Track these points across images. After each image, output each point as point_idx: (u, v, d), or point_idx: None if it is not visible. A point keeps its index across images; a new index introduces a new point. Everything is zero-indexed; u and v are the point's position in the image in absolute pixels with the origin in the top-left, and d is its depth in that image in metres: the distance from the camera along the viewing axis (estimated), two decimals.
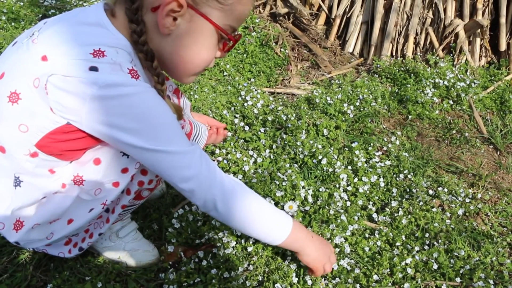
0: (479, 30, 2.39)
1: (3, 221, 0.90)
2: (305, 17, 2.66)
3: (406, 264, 1.20)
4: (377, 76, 2.31)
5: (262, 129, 1.71)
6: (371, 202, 1.45)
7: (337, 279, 1.16)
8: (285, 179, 1.43)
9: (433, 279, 1.19)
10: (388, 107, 2.04)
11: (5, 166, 0.86)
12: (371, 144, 1.72)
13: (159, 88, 0.86)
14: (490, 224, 1.43)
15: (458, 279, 1.19)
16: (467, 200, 1.50)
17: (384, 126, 1.92)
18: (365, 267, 1.20)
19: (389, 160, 1.65)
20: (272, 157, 1.60)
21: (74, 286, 1.08)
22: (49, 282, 1.09)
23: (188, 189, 0.88)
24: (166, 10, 0.78)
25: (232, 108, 1.86)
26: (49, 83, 0.75)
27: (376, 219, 1.38)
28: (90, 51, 0.76)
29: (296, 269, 1.15)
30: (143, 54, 0.83)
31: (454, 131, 1.90)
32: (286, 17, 2.69)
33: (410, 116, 1.99)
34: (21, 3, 2.58)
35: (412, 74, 2.23)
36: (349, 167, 1.57)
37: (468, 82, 2.19)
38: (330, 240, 1.25)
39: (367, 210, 1.41)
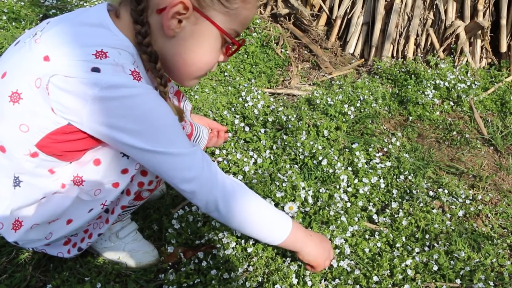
0: (479, 32, 2.39)
1: (2, 221, 0.90)
2: (306, 18, 2.66)
3: (406, 265, 1.20)
4: (377, 77, 2.31)
5: (262, 130, 1.71)
6: (371, 203, 1.45)
7: (337, 280, 1.15)
8: (285, 180, 1.43)
9: (433, 281, 1.19)
10: (388, 108, 2.04)
11: (5, 165, 0.86)
12: (372, 145, 1.72)
13: (162, 90, 0.86)
14: (491, 226, 1.43)
15: (458, 281, 1.19)
16: (468, 201, 1.50)
17: (385, 127, 1.92)
18: (365, 268, 1.20)
19: (389, 161, 1.65)
20: (272, 158, 1.59)
21: (73, 286, 1.08)
22: (49, 283, 1.09)
23: (190, 190, 0.88)
24: (172, 12, 0.78)
25: (233, 109, 1.86)
26: (51, 84, 0.75)
27: (376, 220, 1.38)
28: (93, 52, 0.76)
29: (296, 270, 1.15)
30: (147, 56, 0.83)
31: (454, 133, 1.90)
32: (287, 17, 2.69)
33: (410, 117, 1.99)
34: (22, 3, 2.58)
35: (412, 75, 2.23)
36: (350, 168, 1.57)
37: (468, 84, 2.19)
38: (330, 241, 1.25)
39: (367, 211, 1.41)
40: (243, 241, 1.21)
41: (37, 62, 0.77)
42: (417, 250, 1.26)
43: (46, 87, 0.76)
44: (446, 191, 1.52)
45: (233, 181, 0.96)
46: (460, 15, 2.48)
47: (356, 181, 1.50)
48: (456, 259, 1.25)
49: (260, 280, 1.14)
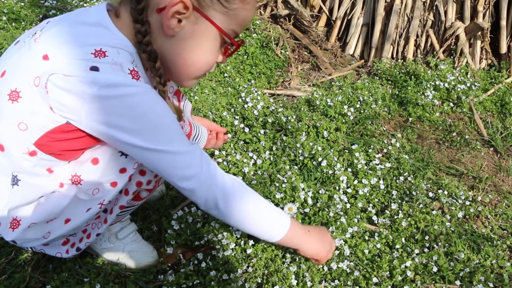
0: (479, 33, 2.39)
1: (0, 220, 0.90)
2: (305, 18, 2.66)
3: (406, 266, 1.20)
4: (377, 78, 2.31)
5: (262, 131, 1.71)
6: (371, 205, 1.45)
7: (337, 281, 1.15)
8: (285, 181, 1.43)
9: (433, 282, 1.19)
10: (388, 109, 2.04)
11: (3, 164, 0.86)
12: (371, 146, 1.72)
13: (161, 89, 0.87)
14: (490, 227, 1.43)
15: (458, 282, 1.19)
16: (467, 202, 1.50)
17: (384, 128, 1.92)
18: (365, 270, 1.20)
19: (389, 162, 1.65)
20: (272, 159, 1.59)
21: (72, 287, 1.08)
22: (48, 283, 1.09)
23: (189, 188, 0.89)
24: (172, 11, 0.78)
25: (232, 110, 1.86)
26: (50, 82, 0.75)
27: (376, 222, 1.38)
28: (91, 51, 0.76)
29: (295, 271, 1.15)
30: (146, 55, 0.83)
31: (454, 134, 1.90)
32: (287, 18, 2.69)
33: (410, 118, 1.99)
34: (22, 4, 2.58)
35: (412, 76, 2.23)
36: (349, 169, 1.57)
37: (468, 85, 2.19)
38: None
39: (367, 212, 1.41)
40: (242, 242, 1.21)
41: (36, 61, 0.77)
42: (416, 251, 1.26)
43: (45, 85, 0.76)
44: (446, 192, 1.52)
45: (232, 179, 0.97)
46: (460, 16, 2.48)
47: (355, 182, 1.50)
48: (455, 260, 1.25)
49: (260, 281, 1.14)
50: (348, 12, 2.66)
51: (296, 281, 1.13)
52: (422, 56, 2.47)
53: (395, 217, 1.39)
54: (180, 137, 0.86)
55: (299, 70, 2.40)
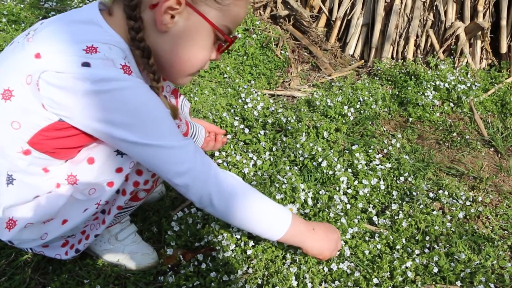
0: (480, 33, 2.39)
1: None
2: (305, 19, 2.66)
3: (406, 267, 1.20)
4: (377, 78, 2.30)
5: (262, 132, 1.71)
6: (371, 205, 1.45)
7: (337, 282, 1.15)
8: (285, 181, 1.43)
9: (434, 283, 1.19)
10: (388, 109, 2.04)
11: None
12: (372, 147, 1.72)
13: (155, 86, 0.87)
14: (491, 227, 1.43)
15: (458, 283, 1.18)
16: (468, 203, 1.50)
17: (385, 129, 1.91)
18: (365, 270, 1.20)
19: (389, 162, 1.65)
20: (272, 159, 1.59)
21: None
22: (48, 285, 1.09)
23: (183, 184, 0.88)
24: (165, 7, 0.78)
25: (232, 111, 1.86)
26: (41, 80, 0.76)
27: (376, 222, 1.38)
28: (83, 48, 0.76)
29: (296, 272, 1.15)
30: (140, 51, 0.83)
31: (454, 134, 1.90)
32: (287, 19, 2.69)
33: (410, 119, 1.98)
34: (22, 5, 2.58)
35: (412, 77, 2.23)
36: (349, 170, 1.57)
37: (469, 85, 2.19)
38: None
39: (367, 213, 1.41)
40: (242, 243, 1.21)
41: (28, 60, 0.77)
42: (417, 252, 1.26)
43: (37, 83, 0.76)
44: (446, 192, 1.52)
45: (229, 175, 0.96)
46: (460, 16, 2.48)
47: (356, 182, 1.50)
48: (456, 261, 1.25)
49: (260, 283, 1.14)
50: (347, 12, 2.66)
51: (296, 282, 1.13)
52: (422, 56, 2.47)
53: (396, 217, 1.38)
54: (172, 131, 0.86)
55: (299, 70, 2.40)
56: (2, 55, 0.87)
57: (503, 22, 2.40)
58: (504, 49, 2.41)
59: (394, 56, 2.51)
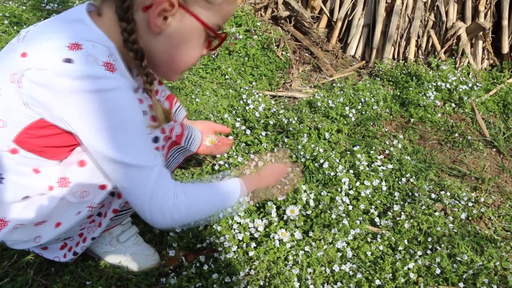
0: (481, 33, 2.38)
1: None
2: (306, 20, 2.66)
3: (409, 268, 1.19)
4: (379, 79, 2.30)
5: (263, 133, 1.71)
6: (373, 206, 1.44)
7: (339, 283, 1.15)
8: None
9: (436, 284, 1.19)
10: (390, 110, 2.03)
11: None
12: (373, 148, 1.72)
13: (148, 88, 0.86)
14: (494, 228, 1.42)
15: (461, 284, 1.18)
16: (470, 204, 1.49)
17: (386, 130, 1.91)
18: (367, 272, 1.20)
19: (391, 163, 1.65)
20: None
21: None
22: (50, 287, 1.09)
23: (136, 206, 0.86)
24: (158, 9, 0.79)
25: (234, 112, 1.86)
26: (24, 77, 0.76)
27: (378, 223, 1.37)
28: (67, 44, 0.76)
29: (298, 274, 1.15)
30: (133, 53, 0.83)
31: (456, 134, 1.90)
32: (288, 20, 2.69)
33: (412, 119, 1.98)
34: (24, 8, 2.59)
35: (414, 77, 2.22)
36: (351, 171, 1.57)
37: (470, 85, 2.19)
38: (332, 245, 1.24)
39: (369, 214, 1.41)
40: (244, 245, 1.21)
41: (15, 59, 0.78)
42: (419, 253, 1.25)
43: (19, 80, 0.76)
44: (448, 193, 1.52)
45: (181, 192, 0.90)
46: (461, 16, 2.48)
47: (357, 184, 1.50)
48: (459, 262, 1.24)
49: (262, 284, 1.14)
50: (349, 13, 2.66)
51: (298, 284, 1.13)
52: (423, 57, 2.47)
53: (398, 218, 1.38)
54: (140, 148, 0.81)
55: (300, 71, 2.40)
56: None
57: (505, 22, 2.40)
58: (505, 49, 2.41)
59: (395, 56, 2.51)
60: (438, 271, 1.20)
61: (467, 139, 1.87)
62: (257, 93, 1.98)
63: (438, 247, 1.30)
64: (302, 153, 1.58)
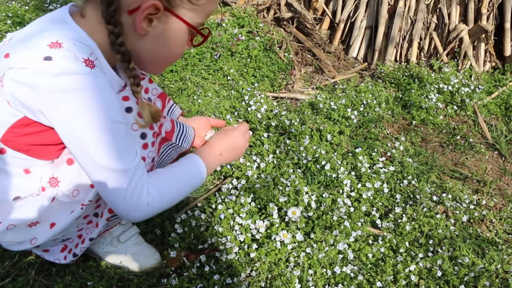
0: (483, 35, 2.38)
1: None
2: (309, 21, 2.66)
3: (410, 271, 1.19)
4: (381, 81, 2.30)
5: (265, 134, 1.71)
6: (374, 208, 1.44)
7: (340, 285, 1.15)
8: (289, 184, 1.43)
9: (437, 287, 1.18)
10: (392, 112, 2.03)
11: None
12: (375, 150, 1.72)
13: (135, 90, 0.87)
14: (495, 231, 1.42)
15: (462, 287, 1.18)
16: (472, 206, 1.49)
17: (388, 132, 1.91)
18: (369, 274, 1.19)
19: (393, 165, 1.65)
20: (275, 162, 1.59)
21: None
22: (51, 287, 1.09)
23: (109, 202, 0.85)
24: (145, 13, 0.80)
25: (236, 113, 1.86)
26: (6, 76, 0.77)
27: (380, 225, 1.37)
28: (47, 43, 0.77)
29: (299, 275, 1.15)
30: (120, 55, 0.84)
31: (458, 137, 1.90)
32: (290, 21, 2.69)
33: (414, 122, 1.98)
34: (26, 7, 2.60)
35: (416, 79, 2.22)
36: (353, 173, 1.57)
37: (472, 88, 2.19)
38: (333, 246, 1.24)
39: (370, 216, 1.41)
40: (246, 246, 1.21)
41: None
42: (420, 255, 1.25)
43: (1, 80, 0.77)
44: (450, 196, 1.52)
45: (151, 183, 0.90)
46: (464, 18, 2.48)
47: (359, 185, 1.50)
48: (460, 265, 1.24)
49: (263, 285, 1.14)
50: (351, 14, 2.66)
51: (299, 285, 1.13)
52: (425, 59, 2.47)
53: (399, 221, 1.38)
54: (117, 150, 0.80)
55: (303, 73, 2.40)
56: None
57: (507, 25, 2.40)
58: (508, 51, 2.40)
59: (398, 58, 2.51)
60: (439, 273, 1.20)
61: (469, 142, 1.87)
62: (259, 95, 1.98)
63: (439, 250, 1.29)
64: (304, 154, 1.58)
